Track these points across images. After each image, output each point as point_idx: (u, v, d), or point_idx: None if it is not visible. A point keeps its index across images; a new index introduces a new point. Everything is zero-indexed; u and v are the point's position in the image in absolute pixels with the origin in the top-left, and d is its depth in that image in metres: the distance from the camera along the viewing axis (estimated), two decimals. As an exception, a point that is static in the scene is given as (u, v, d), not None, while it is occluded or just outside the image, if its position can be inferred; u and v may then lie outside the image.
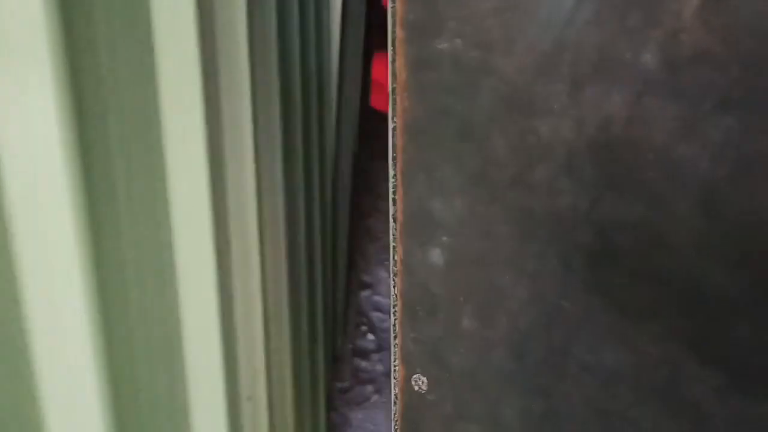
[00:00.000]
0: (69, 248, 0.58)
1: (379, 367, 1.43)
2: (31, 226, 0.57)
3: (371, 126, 1.57)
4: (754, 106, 0.37)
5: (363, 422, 1.41)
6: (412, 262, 0.47)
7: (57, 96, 0.53)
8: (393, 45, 0.45)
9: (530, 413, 0.46)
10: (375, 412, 1.42)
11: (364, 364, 1.45)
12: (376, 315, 1.48)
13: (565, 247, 0.44)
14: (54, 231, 0.57)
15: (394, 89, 0.45)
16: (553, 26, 0.41)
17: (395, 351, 0.48)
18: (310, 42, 1.15)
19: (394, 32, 0.44)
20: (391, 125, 0.46)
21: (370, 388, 1.43)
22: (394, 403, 0.49)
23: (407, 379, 0.48)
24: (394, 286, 0.47)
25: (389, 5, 0.45)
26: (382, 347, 1.46)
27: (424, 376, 0.48)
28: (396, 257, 0.47)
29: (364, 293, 1.50)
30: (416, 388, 0.48)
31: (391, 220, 0.47)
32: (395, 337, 0.48)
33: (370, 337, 1.47)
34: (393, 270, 0.47)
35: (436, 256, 0.46)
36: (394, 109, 0.45)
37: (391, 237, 0.47)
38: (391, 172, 0.46)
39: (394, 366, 0.49)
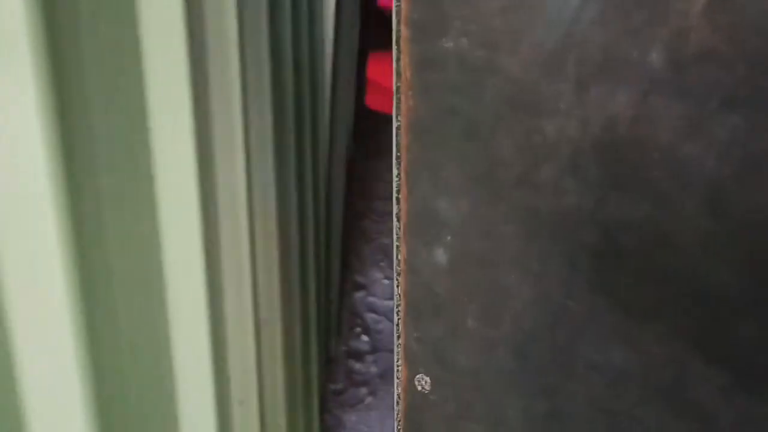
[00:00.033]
0: (52, 250, 0.56)
1: (374, 369, 1.43)
2: (12, 227, 0.55)
3: (367, 126, 1.57)
4: (760, 105, 0.37)
5: (357, 424, 1.41)
6: (416, 262, 0.47)
7: (39, 94, 0.52)
8: (398, 44, 0.45)
9: (534, 413, 0.46)
10: (369, 415, 1.41)
11: (358, 365, 1.45)
12: (370, 316, 1.48)
13: (571, 246, 0.43)
14: (36, 232, 0.56)
15: (398, 88, 0.45)
16: (559, 25, 0.41)
17: (398, 351, 0.48)
18: (303, 40, 1.14)
19: (398, 31, 0.44)
20: (395, 124, 0.46)
21: (364, 390, 1.43)
22: (397, 403, 0.49)
23: (410, 379, 0.48)
24: (397, 286, 0.47)
25: (394, 4, 0.45)
26: (377, 349, 1.45)
27: (427, 375, 0.48)
28: (400, 257, 0.47)
29: (359, 294, 1.50)
30: (419, 388, 0.48)
31: (394, 220, 0.47)
32: (398, 337, 0.48)
33: (365, 338, 1.47)
34: (396, 269, 0.47)
35: (440, 255, 0.46)
36: (398, 108, 0.45)
37: (394, 236, 0.47)
38: (395, 172, 0.46)
39: (397, 366, 0.48)
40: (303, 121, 1.17)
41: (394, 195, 0.46)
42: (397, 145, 0.45)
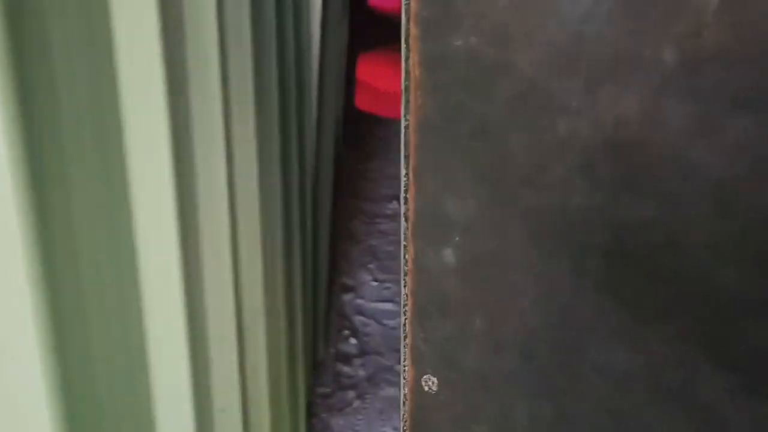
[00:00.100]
0: (16, 255, 0.53)
1: (361, 372, 1.42)
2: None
3: (357, 127, 1.56)
4: (772, 106, 0.38)
5: (344, 428, 1.40)
6: (424, 262, 0.46)
7: (2, 91, 0.49)
8: (407, 42, 0.44)
9: (541, 414, 0.46)
10: (356, 418, 1.41)
11: (346, 369, 1.44)
12: (358, 319, 1.47)
13: (579, 247, 0.43)
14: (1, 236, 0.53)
15: (407, 87, 0.45)
16: (571, 23, 0.41)
17: (405, 351, 0.48)
18: (288, 37, 1.12)
19: (407, 29, 0.44)
20: (403, 123, 0.45)
21: (351, 393, 1.42)
22: (403, 403, 0.49)
23: (417, 380, 0.48)
24: (404, 286, 0.47)
25: (403, 2, 0.44)
26: (365, 352, 1.45)
27: (434, 376, 0.47)
28: (407, 256, 0.46)
29: (347, 296, 1.50)
30: (426, 388, 0.48)
31: (402, 219, 0.46)
32: (405, 337, 0.47)
33: (353, 341, 1.46)
34: (404, 269, 0.47)
35: (448, 255, 0.46)
36: (407, 107, 0.45)
37: (402, 236, 0.46)
38: (402, 171, 0.46)
39: (404, 366, 0.48)
40: (288, 121, 1.16)
41: (402, 194, 0.46)
42: (406, 144, 0.45)
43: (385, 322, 1.46)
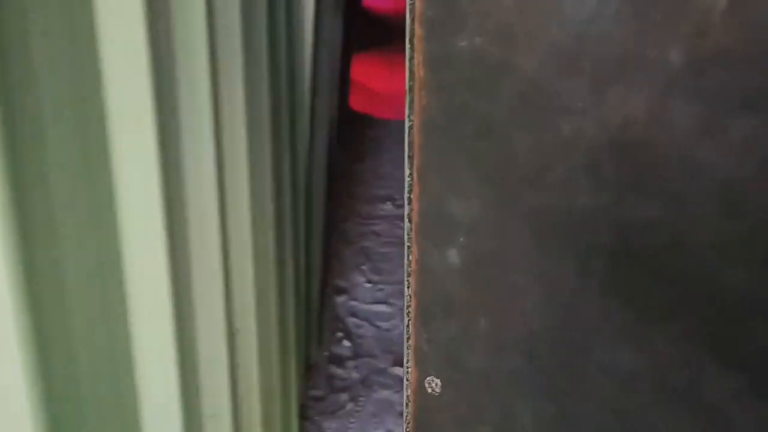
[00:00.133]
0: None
1: (355, 375, 1.42)
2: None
3: (351, 128, 1.56)
4: (778, 107, 0.38)
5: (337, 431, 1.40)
6: (427, 263, 0.46)
7: None
8: (411, 42, 0.44)
9: (546, 415, 0.46)
10: (349, 421, 1.40)
11: (339, 371, 1.43)
12: (351, 321, 1.47)
13: (584, 247, 0.43)
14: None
15: (411, 87, 0.45)
16: (576, 23, 0.41)
17: (408, 352, 0.47)
18: (280, 36, 1.11)
19: (412, 29, 0.44)
20: (407, 123, 0.45)
21: (344, 396, 1.42)
22: (406, 405, 0.48)
23: (420, 381, 0.48)
24: (408, 287, 0.47)
25: (407, 1, 0.44)
26: (358, 354, 1.44)
27: (437, 377, 0.47)
28: (411, 257, 0.46)
29: (340, 298, 1.49)
30: (429, 390, 0.48)
31: (405, 220, 0.46)
32: (408, 338, 0.47)
33: (346, 343, 1.46)
34: (407, 270, 0.46)
35: (452, 256, 0.45)
36: (411, 107, 0.45)
37: (405, 237, 0.46)
38: (406, 171, 0.46)
39: (407, 367, 0.48)
40: (280, 123, 1.15)
41: (406, 195, 0.46)
42: (410, 144, 0.45)
43: (379, 324, 1.46)
